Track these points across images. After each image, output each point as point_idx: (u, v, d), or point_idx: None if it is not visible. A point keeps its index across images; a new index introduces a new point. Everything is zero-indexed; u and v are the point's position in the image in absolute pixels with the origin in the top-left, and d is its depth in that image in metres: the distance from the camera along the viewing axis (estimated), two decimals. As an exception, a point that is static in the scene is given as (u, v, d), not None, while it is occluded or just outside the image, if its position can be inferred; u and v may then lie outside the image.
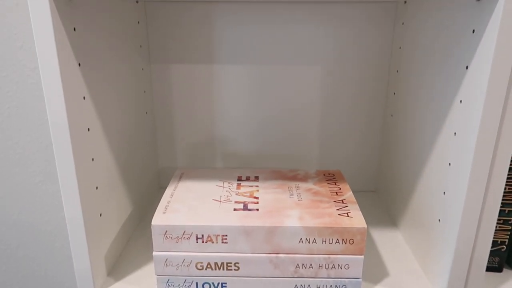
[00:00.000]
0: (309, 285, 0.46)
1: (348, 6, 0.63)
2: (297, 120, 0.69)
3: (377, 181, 0.72)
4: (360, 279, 0.46)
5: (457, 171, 0.43)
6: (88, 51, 0.45)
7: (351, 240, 0.45)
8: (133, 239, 0.58)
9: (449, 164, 0.44)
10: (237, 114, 0.69)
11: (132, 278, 0.50)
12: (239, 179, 0.55)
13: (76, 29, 0.42)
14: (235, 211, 0.47)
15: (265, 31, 0.64)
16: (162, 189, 0.74)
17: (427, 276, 0.50)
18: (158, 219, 0.45)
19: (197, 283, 0.47)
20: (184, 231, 0.45)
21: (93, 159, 0.46)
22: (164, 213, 0.47)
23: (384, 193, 0.68)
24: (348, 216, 0.46)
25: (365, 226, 0.44)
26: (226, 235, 0.45)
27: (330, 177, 0.56)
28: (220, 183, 0.54)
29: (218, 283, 0.47)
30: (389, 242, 0.58)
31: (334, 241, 0.45)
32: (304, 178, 0.56)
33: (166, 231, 0.45)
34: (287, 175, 0.57)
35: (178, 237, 0.45)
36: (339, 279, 0.46)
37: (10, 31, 0.67)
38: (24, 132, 0.73)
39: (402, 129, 0.59)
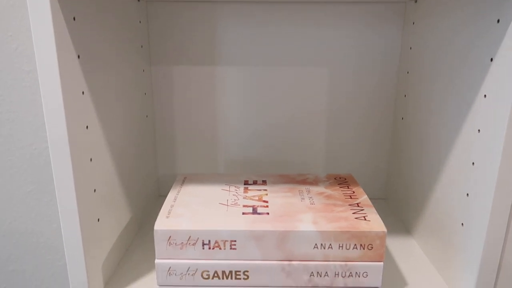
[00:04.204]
0: (324, 295, 0.43)
1: (355, 6, 0.61)
2: (303, 125, 0.66)
3: (387, 188, 0.69)
4: (379, 288, 0.43)
5: (483, 170, 0.40)
6: (88, 43, 0.42)
7: (370, 246, 0.41)
8: (132, 248, 0.54)
9: (473, 163, 0.42)
10: (240, 118, 0.66)
11: (131, 289, 0.46)
12: (246, 183, 0.52)
13: (76, 18, 0.39)
14: (244, 215, 0.44)
15: (269, 32, 0.62)
16: (161, 197, 0.70)
17: (449, 286, 0.47)
18: (161, 223, 0.42)
19: (202, 294, 0.43)
20: (190, 237, 0.41)
21: (91, 159, 0.43)
22: (167, 217, 0.43)
23: (395, 200, 0.65)
24: (365, 220, 0.43)
25: (385, 230, 0.41)
26: (235, 241, 0.41)
27: (342, 180, 0.53)
28: (226, 187, 0.51)
29: (226, 294, 0.43)
30: (404, 251, 0.54)
31: (352, 246, 0.42)
32: (315, 182, 0.53)
33: (170, 237, 0.41)
34: (296, 179, 0.54)
35: (182, 243, 0.42)
36: (357, 289, 0.43)
37: (5, 33, 0.65)
38: (16, 138, 0.70)
39: (414, 132, 0.57)
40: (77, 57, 0.40)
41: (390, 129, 0.67)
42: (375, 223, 0.42)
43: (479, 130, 0.41)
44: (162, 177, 0.69)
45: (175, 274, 0.42)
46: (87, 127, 0.42)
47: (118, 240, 0.51)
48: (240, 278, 0.42)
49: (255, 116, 0.66)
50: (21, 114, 0.68)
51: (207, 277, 0.42)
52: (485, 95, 0.40)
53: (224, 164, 0.68)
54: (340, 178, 0.54)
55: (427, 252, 0.53)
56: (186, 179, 0.53)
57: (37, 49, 0.36)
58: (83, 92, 0.41)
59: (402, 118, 0.62)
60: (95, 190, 0.44)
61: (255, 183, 0.52)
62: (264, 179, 0.53)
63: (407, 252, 0.54)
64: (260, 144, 0.67)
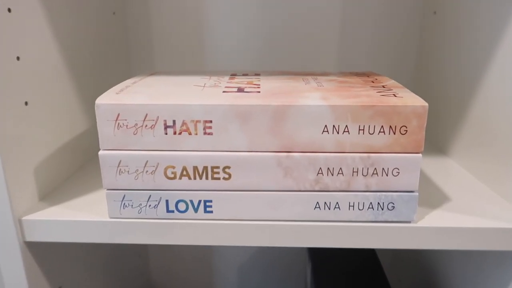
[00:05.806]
0: (337, 203, 0.31)
1: None
2: (313, 19, 0.53)
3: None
4: (416, 193, 0.30)
5: None
6: None
7: (404, 128, 0.29)
8: (88, 166, 0.42)
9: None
10: (233, 12, 0.53)
11: (75, 202, 0.34)
12: (233, 75, 0.40)
13: None
14: (225, 93, 0.31)
15: None
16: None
17: (509, 202, 0.34)
18: (107, 98, 0.30)
19: (167, 201, 0.31)
20: (146, 115, 0.29)
21: (9, 10, 0.31)
22: (117, 93, 0.31)
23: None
24: (395, 96, 0.30)
25: (426, 104, 0.29)
26: (211, 121, 0.29)
27: (360, 73, 0.41)
28: (206, 77, 0.38)
29: (200, 201, 0.31)
30: (443, 171, 0.42)
31: (377, 129, 0.29)
32: (324, 74, 0.40)
33: (119, 115, 0.29)
34: (300, 73, 0.41)
35: (136, 125, 0.29)
36: (384, 193, 0.30)
37: None
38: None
39: (450, 27, 0.44)
40: None
41: (418, 25, 0.53)
42: (409, 98, 0.30)
43: None
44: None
45: (128, 171, 0.30)
46: (2, -38, 0.30)
47: (65, 147, 0.39)
48: (218, 178, 0.30)
49: (253, 9, 0.53)
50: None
51: (172, 175, 0.30)
52: None
53: (212, 69, 0.56)
54: (357, 72, 0.42)
55: (473, 169, 0.40)
56: (156, 73, 0.41)
57: None
58: None
59: (435, 13, 0.49)
60: (18, 58, 0.32)
61: (245, 75, 0.40)
62: (257, 73, 0.41)
63: (446, 172, 0.42)
64: (258, 43, 0.54)
